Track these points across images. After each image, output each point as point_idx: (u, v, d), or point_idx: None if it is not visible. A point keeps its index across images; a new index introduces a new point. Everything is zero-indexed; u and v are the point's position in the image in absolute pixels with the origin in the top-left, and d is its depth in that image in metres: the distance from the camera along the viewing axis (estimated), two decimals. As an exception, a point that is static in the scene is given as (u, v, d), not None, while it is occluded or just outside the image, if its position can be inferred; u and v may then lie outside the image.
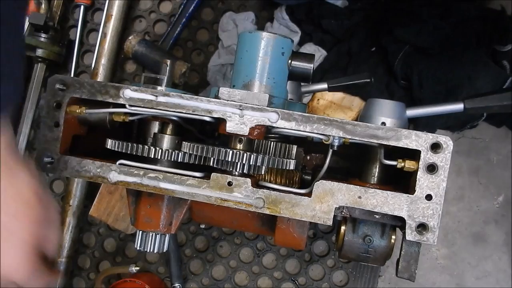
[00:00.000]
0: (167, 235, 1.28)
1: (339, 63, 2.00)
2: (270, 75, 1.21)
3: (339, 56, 2.01)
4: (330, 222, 1.10)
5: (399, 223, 1.11)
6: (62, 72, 2.27)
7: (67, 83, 1.17)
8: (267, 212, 1.11)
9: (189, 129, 1.27)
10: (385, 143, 1.08)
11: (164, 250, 1.29)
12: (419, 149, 1.06)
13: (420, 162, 1.06)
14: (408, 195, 1.07)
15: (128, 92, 1.14)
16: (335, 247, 1.48)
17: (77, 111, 1.17)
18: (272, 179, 1.31)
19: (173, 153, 1.16)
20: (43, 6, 2.12)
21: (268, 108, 1.10)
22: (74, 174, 1.17)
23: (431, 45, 1.88)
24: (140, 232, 1.26)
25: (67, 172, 1.17)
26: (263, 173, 1.20)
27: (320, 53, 2.02)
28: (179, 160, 1.17)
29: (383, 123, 1.31)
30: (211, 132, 1.39)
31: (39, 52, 2.13)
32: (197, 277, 2.12)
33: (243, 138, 1.16)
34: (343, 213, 1.14)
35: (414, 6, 1.96)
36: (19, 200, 0.96)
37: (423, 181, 1.07)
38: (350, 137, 1.09)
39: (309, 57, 1.28)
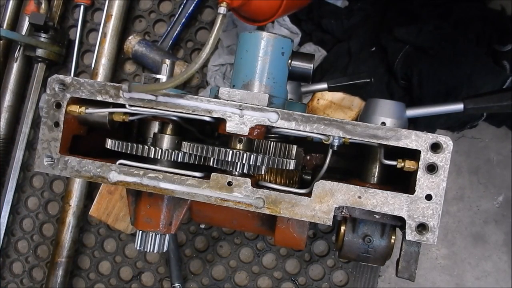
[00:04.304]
0: (167, 235, 1.28)
1: (339, 63, 2.00)
2: (270, 75, 1.21)
3: (339, 56, 2.01)
4: (330, 222, 1.10)
5: (399, 223, 1.11)
6: (62, 72, 2.28)
7: (67, 83, 1.17)
8: (267, 212, 1.11)
9: (189, 129, 1.27)
10: (385, 143, 1.08)
11: (164, 250, 1.29)
12: (419, 149, 1.06)
13: (420, 162, 1.06)
14: (408, 195, 1.07)
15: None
16: (335, 247, 1.48)
17: (77, 111, 1.17)
18: (272, 179, 1.31)
19: (173, 153, 1.16)
20: (43, 6, 2.12)
21: (268, 108, 1.10)
22: (74, 174, 1.17)
23: (431, 45, 1.88)
24: (140, 232, 1.26)
25: (67, 172, 1.17)
26: (263, 173, 1.19)
27: (320, 53, 2.02)
28: (179, 160, 1.17)
29: (383, 123, 1.31)
30: (211, 132, 1.39)
31: (39, 52, 2.14)
32: (197, 277, 2.12)
33: (243, 138, 1.16)
34: (343, 213, 1.14)
35: (414, 6, 1.96)
36: None
37: (423, 181, 1.07)
38: (350, 137, 1.09)
39: (309, 57, 1.28)
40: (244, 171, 1.14)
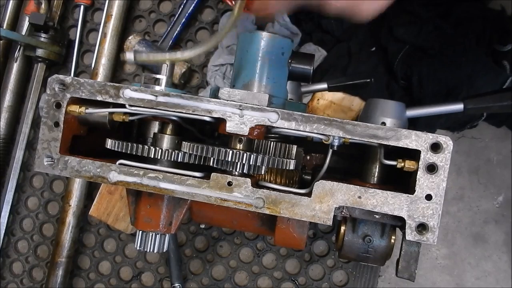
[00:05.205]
0: (167, 235, 1.28)
1: (339, 63, 2.00)
2: (270, 75, 1.21)
3: (339, 56, 2.01)
4: (330, 222, 1.09)
5: (399, 223, 1.11)
6: (62, 72, 2.28)
7: (67, 83, 1.17)
8: (267, 212, 1.11)
9: (189, 129, 1.27)
10: (385, 143, 1.08)
11: (164, 250, 1.29)
12: (419, 149, 1.06)
13: (420, 162, 1.06)
14: (408, 195, 1.07)
15: (128, 92, 1.14)
16: (335, 247, 1.48)
17: (77, 111, 1.17)
18: (272, 179, 1.31)
19: (173, 153, 1.16)
20: (43, 6, 2.12)
21: (268, 108, 1.10)
22: (74, 174, 1.17)
23: (431, 45, 1.88)
24: (140, 232, 1.26)
25: (67, 172, 1.17)
26: (263, 173, 1.19)
27: (320, 53, 2.02)
28: (179, 160, 1.17)
29: (383, 123, 1.31)
30: (211, 132, 1.39)
31: (39, 52, 2.14)
32: (197, 277, 2.12)
33: (243, 138, 1.16)
34: (343, 213, 1.13)
35: (414, 6, 1.96)
36: None
37: (423, 181, 1.06)
38: (350, 137, 1.09)
39: (309, 57, 1.28)
40: (244, 171, 1.14)
